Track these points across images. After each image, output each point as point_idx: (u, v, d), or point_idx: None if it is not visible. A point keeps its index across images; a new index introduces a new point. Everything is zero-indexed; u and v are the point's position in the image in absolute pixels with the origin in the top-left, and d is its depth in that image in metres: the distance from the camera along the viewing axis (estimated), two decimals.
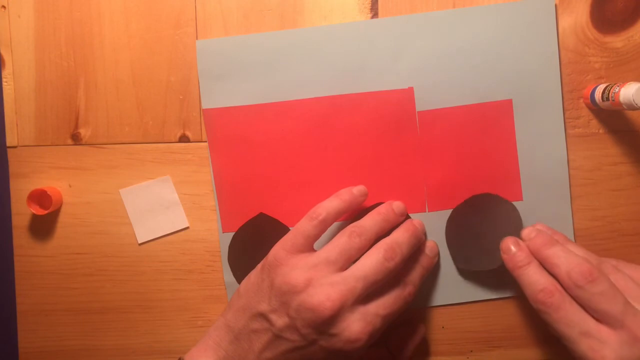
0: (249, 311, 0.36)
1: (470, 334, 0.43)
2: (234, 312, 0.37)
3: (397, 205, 0.40)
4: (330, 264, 0.36)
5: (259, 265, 0.38)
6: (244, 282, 0.38)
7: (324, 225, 0.37)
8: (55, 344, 0.44)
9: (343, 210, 0.38)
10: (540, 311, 0.35)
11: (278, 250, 0.37)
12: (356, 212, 0.41)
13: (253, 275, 0.38)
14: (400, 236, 0.38)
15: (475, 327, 0.42)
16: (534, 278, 0.35)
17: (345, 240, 0.37)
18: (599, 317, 0.33)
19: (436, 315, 0.43)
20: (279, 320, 0.35)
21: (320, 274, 0.35)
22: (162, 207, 0.43)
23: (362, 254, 0.37)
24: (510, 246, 0.38)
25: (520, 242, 0.38)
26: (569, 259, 0.35)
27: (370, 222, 0.38)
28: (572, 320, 0.34)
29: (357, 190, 0.39)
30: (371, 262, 0.36)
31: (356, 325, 0.34)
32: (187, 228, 0.43)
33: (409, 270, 0.39)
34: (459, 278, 0.42)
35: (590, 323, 0.34)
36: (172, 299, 0.43)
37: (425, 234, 0.41)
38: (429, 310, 0.43)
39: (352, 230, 0.37)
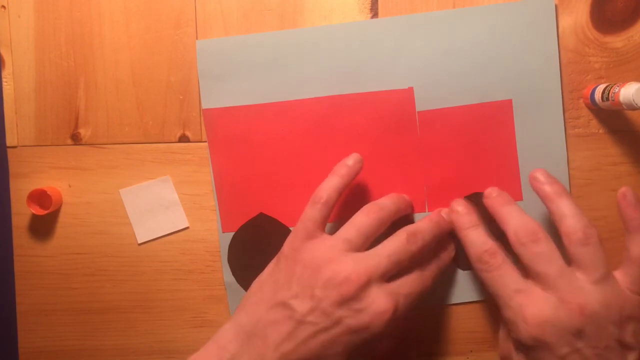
0: (265, 303, 0.35)
1: (470, 334, 0.43)
2: (245, 310, 0.36)
3: (404, 195, 0.41)
4: (348, 242, 0.36)
5: (273, 260, 0.38)
6: (255, 281, 0.38)
7: (327, 206, 0.37)
8: (55, 344, 0.44)
9: (344, 185, 0.38)
10: (481, 270, 0.36)
11: (292, 241, 0.37)
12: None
13: (266, 272, 0.38)
14: (424, 224, 0.38)
15: (475, 327, 0.42)
16: (480, 239, 0.37)
17: (363, 219, 0.37)
18: (535, 278, 0.34)
19: (436, 315, 0.43)
20: (302, 305, 0.34)
21: (341, 253, 0.35)
22: (162, 207, 0.43)
23: (381, 235, 0.37)
24: (457, 207, 0.39)
25: (470, 205, 0.39)
26: (520, 218, 0.36)
27: (387, 200, 0.38)
28: (509, 279, 0.35)
29: (352, 160, 0.39)
30: (394, 244, 0.36)
31: (383, 299, 0.34)
32: (187, 228, 0.43)
33: (428, 260, 0.39)
34: (459, 278, 0.42)
35: (525, 283, 0.35)
36: (172, 299, 0.43)
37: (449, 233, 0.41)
38: (429, 310, 0.43)
39: (370, 208, 0.37)
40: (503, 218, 0.37)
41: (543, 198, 0.37)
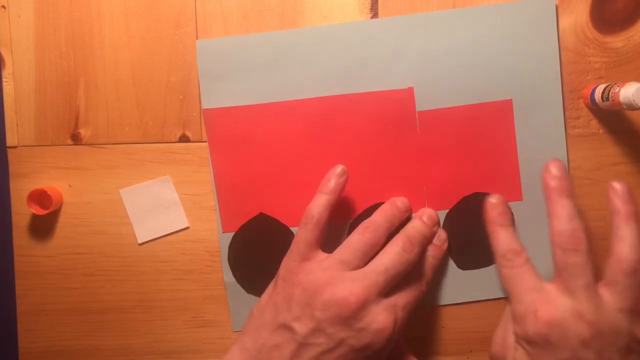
0: (267, 327, 0.36)
1: (470, 334, 0.43)
2: (250, 334, 0.36)
3: (401, 200, 0.40)
4: (344, 263, 0.36)
5: (271, 284, 0.38)
6: (256, 304, 0.38)
7: (319, 226, 0.37)
8: (55, 344, 0.44)
9: (333, 202, 0.38)
10: (503, 265, 0.37)
11: (287, 263, 0.37)
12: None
13: (266, 295, 0.38)
14: (416, 226, 0.38)
15: (475, 327, 0.42)
16: (509, 238, 0.38)
17: (357, 238, 0.37)
18: (561, 282, 0.35)
19: (436, 315, 0.43)
20: (303, 327, 0.34)
21: (338, 274, 0.35)
22: (162, 207, 0.43)
23: (378, 250, 0.37)
24: (493, 200, 0.39)
25: (507, 204, 0.39)
26: (572, 219, 0.35)
27: (380, 217, 0.38)
28: (528, 278, 0.36)
29: (336, 175, 0.39)
30: (390, 256, 0.36)
31: (382, 316, 0.34)
32: (187, 228, 0.43)
33: (422, 264, 0.39)
34: (459, 278, 0.42)
35: (543, 285, 0.35)
36: (172, 299, 0.43)
37: (439, 224, 0.41)
38: (429, 310, 0.43)
39: (364, 227, 0.37)
40: (554, 211, 0.36)
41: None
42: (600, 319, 0.33)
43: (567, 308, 0.34)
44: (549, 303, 0.34)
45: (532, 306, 0.35)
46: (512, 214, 0.40)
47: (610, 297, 0.34)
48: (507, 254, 0.37)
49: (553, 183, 0.36)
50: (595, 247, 0.41)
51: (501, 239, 0.38)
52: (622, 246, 0.34)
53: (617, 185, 0.36)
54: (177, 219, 0.43)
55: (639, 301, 0.34)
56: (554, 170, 0.37)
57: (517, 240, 0.38)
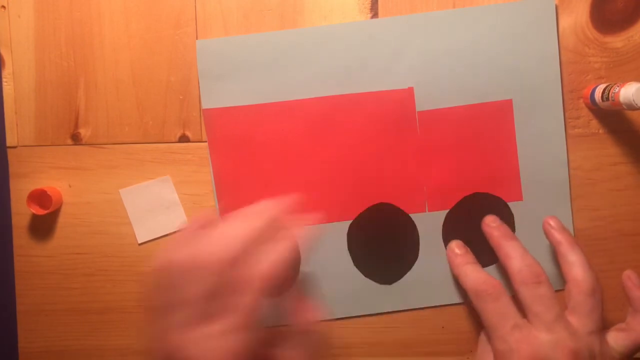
0: None
1: (470, 334, 0.43)
2: None
3: None
4: None
5: None
6: None
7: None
8: (55, 344, 0.44)
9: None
10: (480, 299, 0.37)
11: None
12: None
13: None
14: None
15: (475, 327, 0.42)
16: (479, 273, 0.39)
17: None
18: (533, 317, 0.36)
19: (436, 315, 0.43)
20: None
21: None
22: (162, 207, 0.43)
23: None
24: (454, 249, 0.41)
25: (465, 245, 0.41)
26: (525, 257, 0.37)
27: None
28: (507, 312, 0.36)
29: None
30: None
31: None
32: None
33: None
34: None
35: (522, 320, 0.36)
36: None
37: None
38: (429, 310, 0.43)
39: None
40: (507, 253, 0.38)
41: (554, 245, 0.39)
42: (577, 344, 0.35)
43: (547, 342, 0.35)
44: (532, 342, 0.35)
45: (516, 347, 0.35)
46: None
47: (579, 322, 0.36)
48: (480, 286, 0.37)
49: (496, 232, 0.39)
50: (595, 247, 0.41)
51: (470, 275, 0.39)
52: (576, 270, 0.37)
53: (551, 220, 0.39)
54: (177, 219, 0.43)
55: (602, 321, 0.36)
56: (491, 222, 0.40)
57: (487, 274, 0.38)
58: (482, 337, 0.40)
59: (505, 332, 0.36)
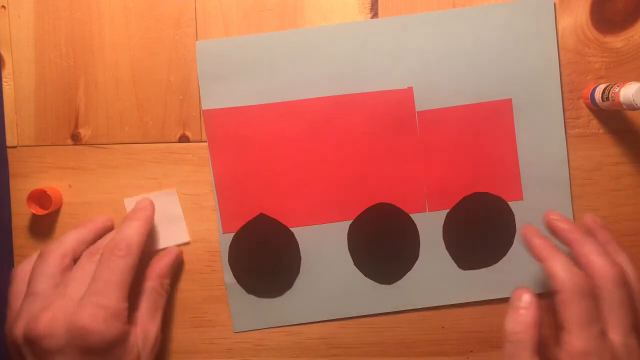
0: None
1: (470, 334, 0.43)
2: None
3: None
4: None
5: None
6: None
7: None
8: None
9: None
10: (578, 294, 0.34)
11: None
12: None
13: None
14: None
15: (475, 327, 0.42)
16: (574, 267, 0.35)
17: None
18: (612, 321, 0.34)
19: (436, 315, 0.43)
20: None
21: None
22: (165, 220, 0.42)
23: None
24: (533, 238, 0.37)
25: (543, 235, 0.37)
26: (607, 259, 0.34)
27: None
28: (598, 315, 0.34)
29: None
30: None
31: None
32: (187, 243, 0.43)
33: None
34: (459, 278, 0.42)
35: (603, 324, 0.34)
36: (172, 299, 0.43)
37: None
38: (429, 310, 0.43)
39: None
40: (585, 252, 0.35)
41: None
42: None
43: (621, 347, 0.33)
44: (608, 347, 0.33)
45: (597, 350, 0.33)
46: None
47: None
48: (582, 280, 0.34)
49: (567, 230, 0.36)
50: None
51: (568, 266, 0.35)
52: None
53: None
54: (178, 233, 0.42)
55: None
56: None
57: (577, 270, 0.35)
58: (509, 350, 0.36)
59: (592, 334, 0.34)
